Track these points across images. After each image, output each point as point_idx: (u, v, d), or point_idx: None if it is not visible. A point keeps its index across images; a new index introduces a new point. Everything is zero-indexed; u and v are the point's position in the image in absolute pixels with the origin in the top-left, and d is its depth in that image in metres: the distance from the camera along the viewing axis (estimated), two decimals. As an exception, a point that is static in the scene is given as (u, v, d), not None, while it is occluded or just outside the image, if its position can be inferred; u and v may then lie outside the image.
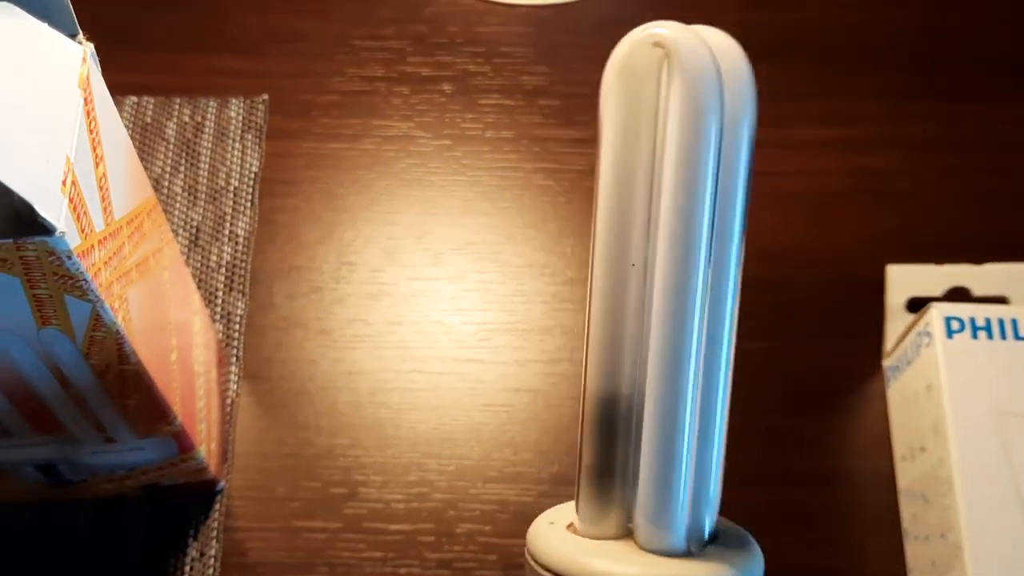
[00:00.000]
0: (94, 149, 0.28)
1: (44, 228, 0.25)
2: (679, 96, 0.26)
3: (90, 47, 0.29)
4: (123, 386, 0.33)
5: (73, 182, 0.26)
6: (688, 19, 0.55)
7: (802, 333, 0.47)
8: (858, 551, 0.43)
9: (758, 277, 0.48)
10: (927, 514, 0.40)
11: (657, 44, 0.26)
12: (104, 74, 0.30)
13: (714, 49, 0.26)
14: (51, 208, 0.25)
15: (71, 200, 0.26)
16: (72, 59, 0.28)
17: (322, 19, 0.55)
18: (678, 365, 0.28)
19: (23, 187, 0.24)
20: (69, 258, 0.26)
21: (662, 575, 0.29)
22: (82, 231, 0.27)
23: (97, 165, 0.28)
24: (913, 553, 0.42)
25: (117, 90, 0.30)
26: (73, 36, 0.28)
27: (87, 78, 0.28)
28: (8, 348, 0.30)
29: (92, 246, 0.28)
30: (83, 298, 0.28)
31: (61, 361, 0.31)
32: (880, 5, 0.56)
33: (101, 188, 0.29)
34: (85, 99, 0.28)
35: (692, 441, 0.28)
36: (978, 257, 0.45)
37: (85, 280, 0.27)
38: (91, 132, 0.28)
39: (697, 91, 0.26)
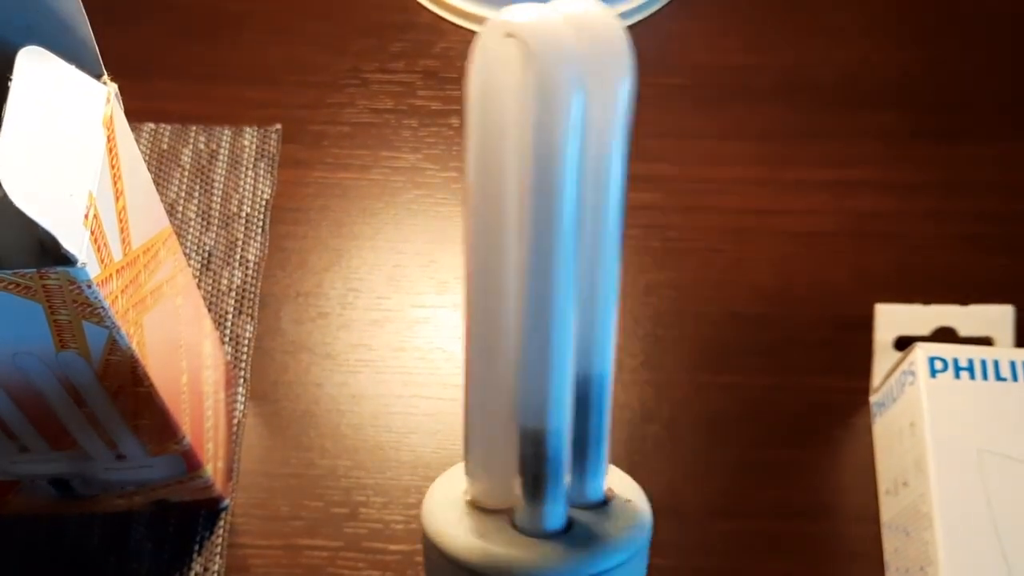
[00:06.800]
0: (115, 184, 0.30)
1: (67, 259, 0.27)
2: (531, 81, 0.25)
3: (114, 87, 0.30)
4: (136, 407, 0.35)
5: (95, 216, 0.28)
6: (689, 60, 0.56)
7: (793, 368, 0.49)
8: (842, 582, 0.44)
9: (752, 314, 0.50)
10: (908, 548, 0.41)
11: (509, 34, 0.25)
12: (123, 100, 0.31)
13: (579, 19, 0.25)
14: (74, 240, 0.27)
15: (92, 233, 0.28)
16: (97, 99, 0.29)
17: (336, 52, 0.57)
18: (547, 336, 0.27)
19: (48, 220, 0.26)
20: (89, 287, 0.28)
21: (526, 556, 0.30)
22: (102, 261, 0.28)
23: (117, 199, 0.30)
24: (895, 585, 0.43)
25: (135, 117, 0.32)
26: (98, 77, 0.30)
27: (111, 117, 0.30)
28: (28, 369, 0.32)
29: (111, 275, 0.29)
30: (100, 324, 0.30)
31: (77, 382, 0.33)
32: (877, 48, 0.57)
33: (120, 220, 0.30)
34: (108, 137, 0.29)
35: (568, 425, 0.29)
36: (964, 298, 0.46)
37: (103, 308, 0.29)
38: (113, 168, 0.30)
39: (547, 73, 0.24)
